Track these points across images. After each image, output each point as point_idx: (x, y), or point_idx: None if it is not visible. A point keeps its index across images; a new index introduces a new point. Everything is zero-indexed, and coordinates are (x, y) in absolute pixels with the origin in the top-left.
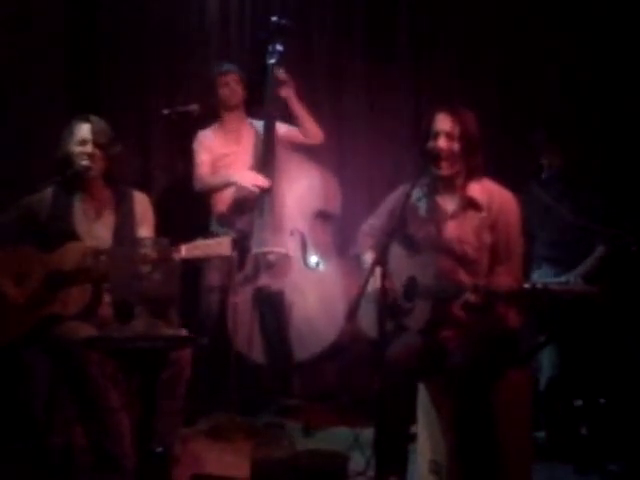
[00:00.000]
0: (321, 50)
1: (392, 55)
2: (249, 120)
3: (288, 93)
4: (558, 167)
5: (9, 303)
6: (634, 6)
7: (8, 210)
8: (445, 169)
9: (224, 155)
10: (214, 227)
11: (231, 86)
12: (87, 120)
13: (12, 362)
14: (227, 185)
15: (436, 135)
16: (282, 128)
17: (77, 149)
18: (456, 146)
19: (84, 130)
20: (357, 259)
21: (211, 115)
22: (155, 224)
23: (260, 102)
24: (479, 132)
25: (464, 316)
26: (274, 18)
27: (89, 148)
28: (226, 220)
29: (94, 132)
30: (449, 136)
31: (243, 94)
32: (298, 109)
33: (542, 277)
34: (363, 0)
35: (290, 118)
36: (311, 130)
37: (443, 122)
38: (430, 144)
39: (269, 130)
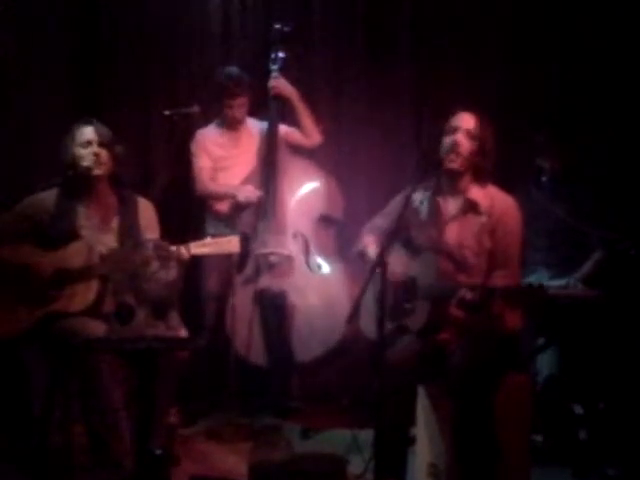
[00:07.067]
0: (321, 51)
1: (393, 56)
2: (249, 120)
3: (290, 93)
4: (557, 169)
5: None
6: (635, 6)
7: (9, 210)
8: (455, 162)
9: (222, 158)
10: (211, 226)
11: (235, 109)
12: (89, 122)
13: (10, 361)
14: (227, 197)
15: (455, 130)
16: (282, 129)
17: (82, 151)
18: (472, 144)
19: (88, 132)
20: (359, 256)
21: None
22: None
23: (262, 104)
24: (494, 142)
25: (462, 317)
26: (277, 25)
27: (95, 148)
28: (224, 218)
29: (98, 133)
30: (468, 133)
31: (248, 108)
32: (300, 109)
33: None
34: (364, 0)
35: (290, 119)
36: (310, 132)
37: (465, 120)
38: (448, 138)
39: (272, 134)
